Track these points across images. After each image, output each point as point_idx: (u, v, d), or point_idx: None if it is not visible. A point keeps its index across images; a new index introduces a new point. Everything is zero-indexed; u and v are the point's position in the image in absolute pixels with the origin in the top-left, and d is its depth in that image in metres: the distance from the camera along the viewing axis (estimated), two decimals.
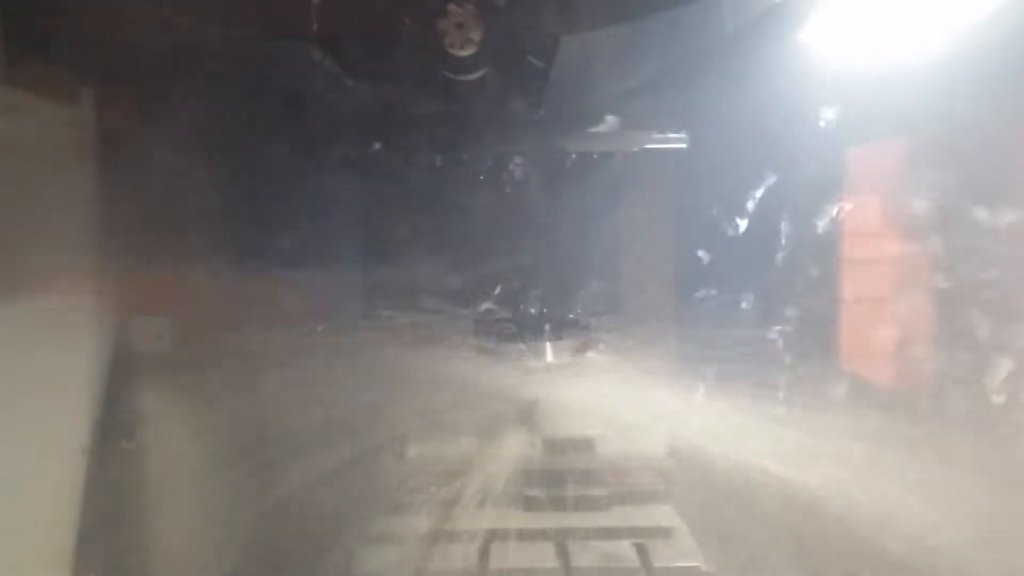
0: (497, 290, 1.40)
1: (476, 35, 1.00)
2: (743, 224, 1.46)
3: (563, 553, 1.26)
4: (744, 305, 1.48)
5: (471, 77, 1.10)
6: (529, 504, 1.33)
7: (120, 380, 1.30)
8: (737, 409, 1.37)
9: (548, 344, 1.39)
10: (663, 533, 1.31)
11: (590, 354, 1.42)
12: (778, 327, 1.47)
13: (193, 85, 1.27)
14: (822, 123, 1.38)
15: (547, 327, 1.40)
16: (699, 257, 1.49)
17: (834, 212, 1.46)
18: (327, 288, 1.42)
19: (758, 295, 1.48)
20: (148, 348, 1.35)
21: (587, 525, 1.31)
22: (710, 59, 1.20)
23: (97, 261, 1.30)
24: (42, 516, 1.17)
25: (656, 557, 1.25)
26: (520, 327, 1.40)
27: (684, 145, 1.36)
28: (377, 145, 1.31)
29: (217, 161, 1.35)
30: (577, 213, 1.39)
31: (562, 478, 1.34)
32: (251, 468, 1.38)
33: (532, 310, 1.40)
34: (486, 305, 1.40)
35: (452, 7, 0.98)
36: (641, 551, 1.27)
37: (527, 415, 1.38)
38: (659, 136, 1.34)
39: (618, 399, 1.39)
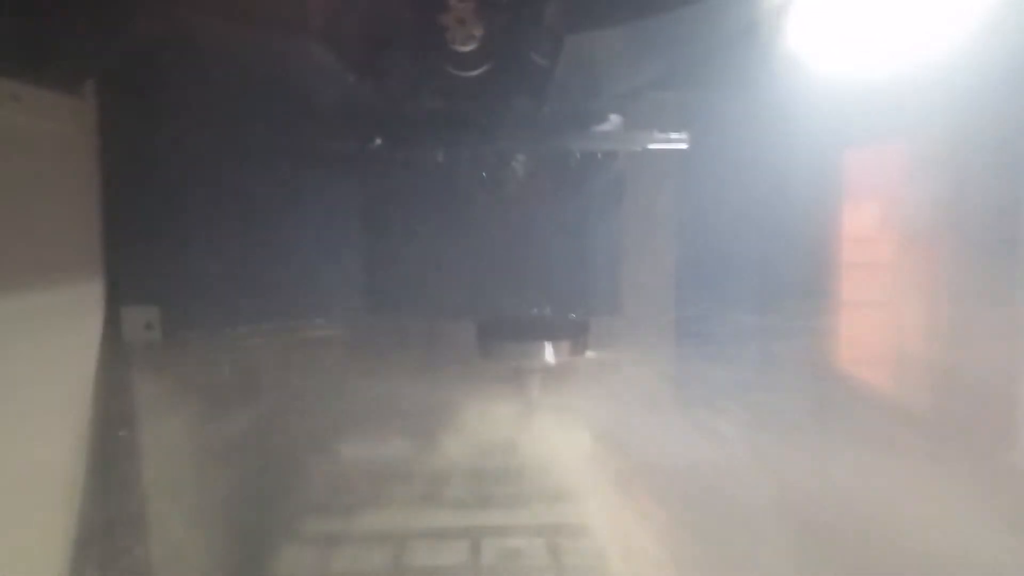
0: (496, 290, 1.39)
1: (478, 31, 0.99)
2: (745, 225, 1.45)
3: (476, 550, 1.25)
4: (744, 307, 1.47)
5: (473, 74, 1.10)
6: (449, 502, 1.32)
7: (113, 372, 1.30)
8: (739, 410, 1.37)
9: (547, 344, 1.39)
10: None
11: (589, 355, 1.42)
12: (779, 329, 1.46)
13: (193, 79, 1.26)
14: (824, 125, 1.38)
15: (546, 327, 1.40)
16: (700, 258, 1.49)
17: (835, 215, 1.46)
18: (325, 285, 1.41)
19: (759, 297, 1.47)
20: (138, 338, 1.35)
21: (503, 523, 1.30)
22: (714, 59, 1.20)
23: (97, 253, 1.30)
24: (38, 513, 1.17)
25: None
26: (519, 327, 1.39)
27: (685, 146, 1.35)
28: (377, 142, 1.31)
29: (216, 156, 1.35)
30: (578, 212, 1.38)
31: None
32: (243, 465, 1.38)
33: (532, 310, 1.40)
34: (486, 303, 1.40)
35: (454, 3, 0.97)
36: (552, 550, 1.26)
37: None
38: (661, 136, 1.33)
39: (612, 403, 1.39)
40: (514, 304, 1.39)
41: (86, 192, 1.29)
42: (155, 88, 1.31)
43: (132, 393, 1.32)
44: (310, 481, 1.42)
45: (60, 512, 1.19)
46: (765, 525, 1.37)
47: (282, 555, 1.37)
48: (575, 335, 1.40)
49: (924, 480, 1.23)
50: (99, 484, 1.24)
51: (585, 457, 1.42)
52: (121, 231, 1.33)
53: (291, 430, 1.41)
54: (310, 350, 1.40)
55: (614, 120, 1.32)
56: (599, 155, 1.34)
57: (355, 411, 1.42)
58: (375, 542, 1.38)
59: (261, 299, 1.38)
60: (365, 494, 1.40)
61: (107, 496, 1.26)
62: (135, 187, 1.34)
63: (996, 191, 1.24)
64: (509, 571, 1.32)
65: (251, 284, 1.37)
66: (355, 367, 1.42)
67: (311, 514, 1.43)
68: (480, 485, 1.42)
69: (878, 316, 1.50)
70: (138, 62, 1.27)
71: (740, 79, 1.27)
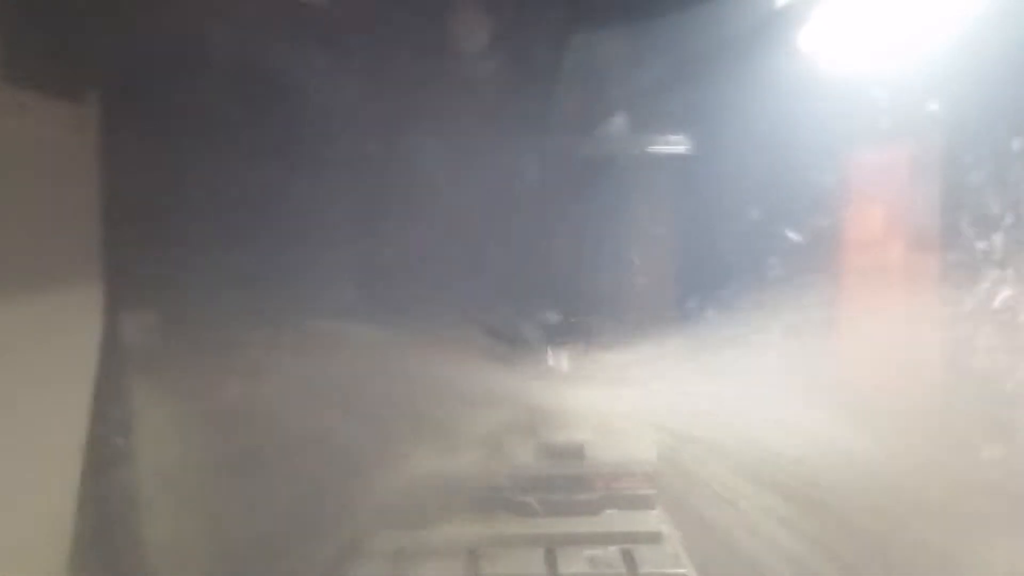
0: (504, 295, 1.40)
1: (483, 34, 1.00)
2: (748, 228, 1.46)
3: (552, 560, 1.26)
4: (748, 309, 1.47)
5: (478, 76, 1.10)
6: (521, 510, 1.33)
7: (112, 376, 1.30)
8: (740, 413, 1.37)
9: (554, 347, 1.39)
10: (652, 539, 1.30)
11: (595, 357, 1.42)
12: (781, 331, 1.46)
13: (195, 83, 1.27)
14: (825, 127, 1.38)
15: (552, 330, 1.40)
16: (704, 260, 1.49)
17: (837, 216, 1.46)
18: (325, 288, 1.41)
19: (762, 298, 1.48)
20: (136, 342, 1.35)
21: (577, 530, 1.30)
22: (716, 62, 1.20)
23: (96, 258, 1.30)
24: (38, 516, 1.16)
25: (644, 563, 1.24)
26: (525, 330, 1.39)
27: (687, 149, 1.36)
28: (382, 143, 1.31)
29: (215, 162, 1.35)
30: (583, 214, 1.38)
31: (554, 484, 1.34)
32: (243, 473, 1.37)
33: (537, 313, 1.40)
34: (491, 307, 1.40)
35: (460, 6, 0.97)
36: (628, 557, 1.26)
37: (526, 420, 1.38)
38: (664, 139, 1.34)
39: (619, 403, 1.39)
40: (517, 307, 1.40)
41: (86, 197, 1.29)
42: (155, 95, 1.31)
43: (131, 397, 1.32)
44: (311, 483, 1.42)
45: (59, 514, 1.18)
46: None
47: (281, 557, 1.36)
48: (581, 338, 1.40)
49: None
50: (98, 487, 1.24)
51: None
52: (120, 236, 1.33)
53: (290, 432, 1.40)
54: (310, 353, 1.40)
55: (619, 123, 1.32)
56: (602, 157, 1.34)
57: (356, 413, 1.41)
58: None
59: (260, 303, 1.38)
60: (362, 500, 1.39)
61: (106, 499, 1.25)
62: (135, 192, 1.33)
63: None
64: None
65: (250, 288, 1.37)
66: (356, 369, 1.41)
67: (310, 516, 1.42)
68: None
69: (880, 316, 1.50)
70: (139, 69, 1.27)
71: (742, 82, 1.28)
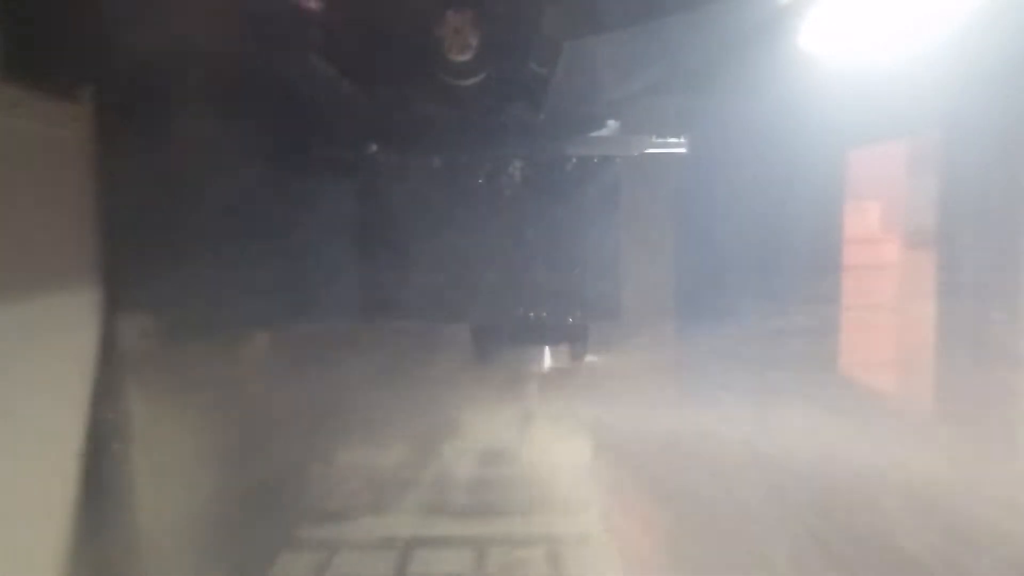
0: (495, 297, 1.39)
1: (474, 40, 0.99)
2: (744, 229, 1.45)
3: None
4: (745, 310, 1.47)
5: (469, 82, 1.09)
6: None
7: (110, 379, 1.30)
8: (738, 415, 1.37)
9: (546, 350, 1.39)
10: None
11: (588, 360, 1.42)
12: (779, 332, 1.46)
13: (191, 86, 1.26)
14: (824, 127, 1.37)
15: (545, 332, 1.40)
16: (699, 262, 1.48)
17: (836, 216, 1.45)
18: (323, 291, 1.41)
19: (759, 300, 1.47)
20: (134, 346, 1.35)
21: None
22: (711, 64, 1.19)
23: (94, 261, 1.30)
24: (37, 516, 1.17)
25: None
26: (518, 332, 1.39)
27: (683, 150, 1.35)
28: (374, 150, 1.30)
29: (214, 164, 1.35)
30: (576, 218, 1.38)
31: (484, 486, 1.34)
32: (241, 470, 1.38)
33: (530, 315, 1.40)
34: (484, 309, 1.39)
35: (450, 12, 0.97)
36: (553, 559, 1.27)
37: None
38: (659, 140, 1.33)
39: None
40: (512, 309, 1.39)
41: (84, 199, 1.29)
42: (153, 94, 1.31)
43: (129, 401, 1.33)
44: (308, 486, 1.43)
45: (56, 519, 1.19)
46: None
47: (280, 560, 1.37)
48: (574, 340, 1.40)
49: None
50: (96, 491, 1.24)
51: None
52: (118, 238, 1.33)
53: (288, 435, 1.41)
54: (308, 356, 1.40)
55: (612, 125, 1.32)
56: (595, 160, 1.33)
57: (353, 415, 1.42)
58: (376, 548, 1.38)
59: (259, 306, 1.38)
60: (364, 500, 1.40)
61: (104, 503, 1.26)
62: (133, 194, 1.33)
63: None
64: None
65: (248, 291, 1.37)
66: (354, 371, 1.42)
67: (309, 518, 1.43)
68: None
69: (881, 317, 1.50)
70: (136, 68, 1.27)
71: (738, 83, 1.26)
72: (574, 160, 1.33)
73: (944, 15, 1.20)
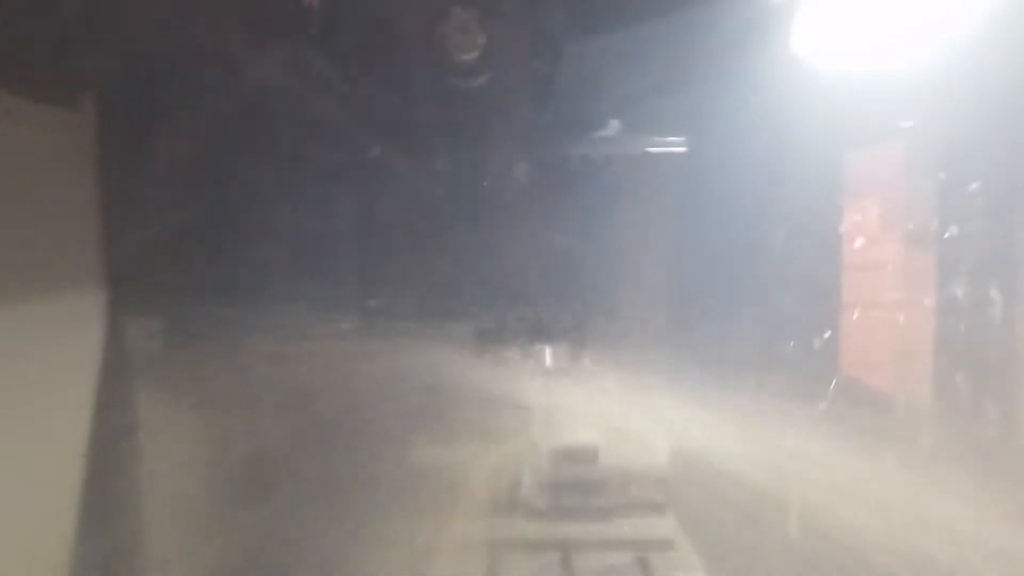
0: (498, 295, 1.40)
1: (479, 39, 1.00)
2: (744, 229, 1.45)
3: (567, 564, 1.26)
4: (744, 311, 1.47)
5: (474, 82, 1.10)
6: (532, 514, 1.33)
7: (114, 381, 1.30)
8: (737, 417, 1.37)
9: (548, 349, 1.39)
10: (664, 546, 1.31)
11: (589, 359, 1.42)
12: (778, 333, 1.46)
13: (191, 89, 1.26)
14: (823, 129, 1.38)
15: (547, 332, 1.40)
16: (700, 262, 1.48)
17: (835, 218, 1.46)
18: (326, 292, 1.41)
19: (758, 300, 1.47)
20: (139, 348, 1.35)
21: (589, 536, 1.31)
22: (713, 64, 1.20)
23: (97, 264, 1.30)
24: (39, 517, 1.17)
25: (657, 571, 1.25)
26: (520, 332, 1.39)
27: (684, 149, 1.36)
28: (378, 150, 1.31)
29: (215, 166, 1.35)
30: (579, 217, 1.38)
31: (564, 488, 1.34)
32: (245, 473, 1.38)
33: (532, 315, 1.40)
34: (486, 310, 1.40)
35: (455, 11, 0.97)
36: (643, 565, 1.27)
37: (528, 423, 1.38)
38: (660, 140, 1.34)
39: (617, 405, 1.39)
40: (513, 308, 1.40)
41: (86, 203, 1.29)
42: (153, 98, 1.31)
43: (133, 403, 1.32)
44: (308, 486, 1.42)
45: (61, 520, 1.19)
46: None
47: (279, 562, 1.37)
48: (576, 340, 1.40)
49: None
50: (100, 492, 1.24)
51: None
52: (121, 241, 1.33)
53: (293, 437, 1.41)
54: (312, 357, 1.39)
55: (613, 125, 1.32)
56: (598, 160, 1.34)
57: (355, 416, 1.41)
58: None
59: (263, 308, 1.38)
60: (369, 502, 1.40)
61: (108, 504, 1.25)
62: (135, 197, 1.33)
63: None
64: None
65: (252, 293, 1.37)
66: (357, 372, 1.41)
67: (308, 519, 1.43)
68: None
69: (880, 317, 1.50)
70: (135, 73, 1.27)
71: (739, 83, 1.27)
72: (577, 159, 1.34)
73: (951, 17, 1.21)
